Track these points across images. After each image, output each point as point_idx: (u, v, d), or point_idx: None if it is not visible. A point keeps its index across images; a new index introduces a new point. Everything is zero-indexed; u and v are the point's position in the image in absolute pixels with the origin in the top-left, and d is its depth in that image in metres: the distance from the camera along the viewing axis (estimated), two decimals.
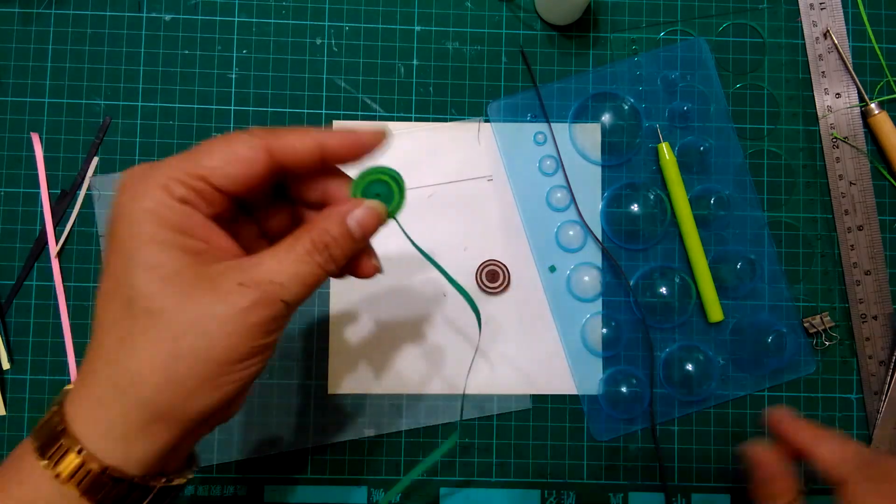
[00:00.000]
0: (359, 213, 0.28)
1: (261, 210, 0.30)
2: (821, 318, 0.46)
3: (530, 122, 0.46)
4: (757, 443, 0.36)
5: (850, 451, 0.32)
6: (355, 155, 0.29)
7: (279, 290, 0.25)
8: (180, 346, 0.24)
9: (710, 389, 0.45)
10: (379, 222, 0.29)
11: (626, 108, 0.47)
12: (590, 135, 0.46)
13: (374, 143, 0.29)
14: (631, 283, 0.46)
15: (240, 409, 0.29)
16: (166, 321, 0.24)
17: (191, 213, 0.26)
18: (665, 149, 0.46)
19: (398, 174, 0.30)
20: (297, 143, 0.27)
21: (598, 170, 0.46)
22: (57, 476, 0.24)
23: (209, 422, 0.27)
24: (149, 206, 0.25)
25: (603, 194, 0.46)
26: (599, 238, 0.46)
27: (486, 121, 0.46)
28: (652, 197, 0.46)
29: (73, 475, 0.24)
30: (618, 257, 0.46)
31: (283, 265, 0.26)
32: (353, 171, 0.30)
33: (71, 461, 0.24)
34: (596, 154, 0.46)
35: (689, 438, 0.45)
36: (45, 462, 0.25)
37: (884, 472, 0.31)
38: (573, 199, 0.46)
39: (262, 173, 0.27)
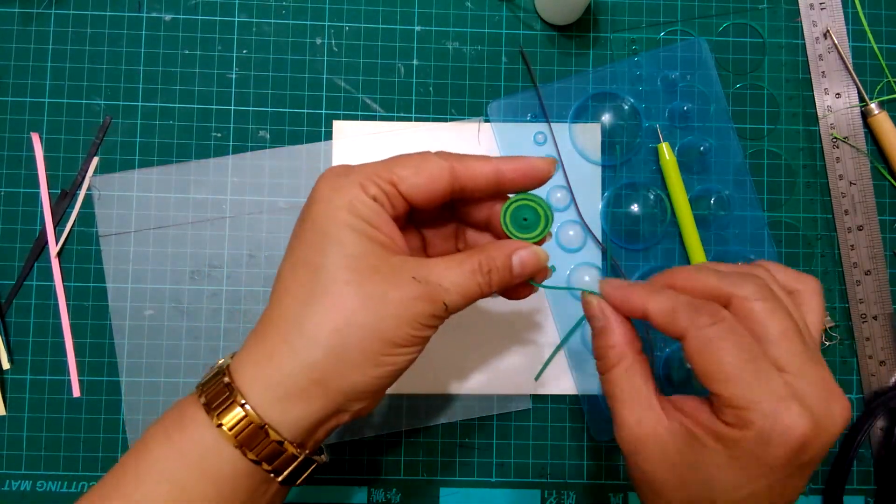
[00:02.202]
0: (524, 253, 0.31)
1: (428, 223, 0.34)
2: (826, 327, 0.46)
3: (530, 121, 0.46)
4: (589, 294, 0.32)
5: (681, 301, 0.29)
6: (529, 184, 0.31)
7: (444, 293, 0.29)
8: (355, 318, 0.27)
9: None
10: (538, 266, 0.31)
11: (626, 108, 0.47)
12: (590, 135, 0.46)
13: (548, 172, 0.31)
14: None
15: (376, 406, 0.31)
16: (347, 294, 0.28)
17: (379, 210, 0.29)
18: (665, 149, 0.46)
19: (546, 203, 0.32)
20: (479, 168, 0.30)
21: (598, 170, 0.46)
22: (219, 426, 0.27)
23: (354, 406, 0.29)
24: (346, 197, 0.28)
25: (603, 194, 0.46)
26: (599, 238, 0.46)
27: (486, 121, 0.46)
28: (652, 197, 0.46)
29: (233, 427, 0.27)
30: (618, 257, 0.46)
31: (451, 273, 0.29)
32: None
33: (236, 415, 0.27)
34: (596, 154, 0.46)
35: None
36: (211, 413, 0.28)
37: (713, 311, 0.28)
38: (573, 199, 0.46)
39: (444, 190, 0.30)
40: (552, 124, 0.46)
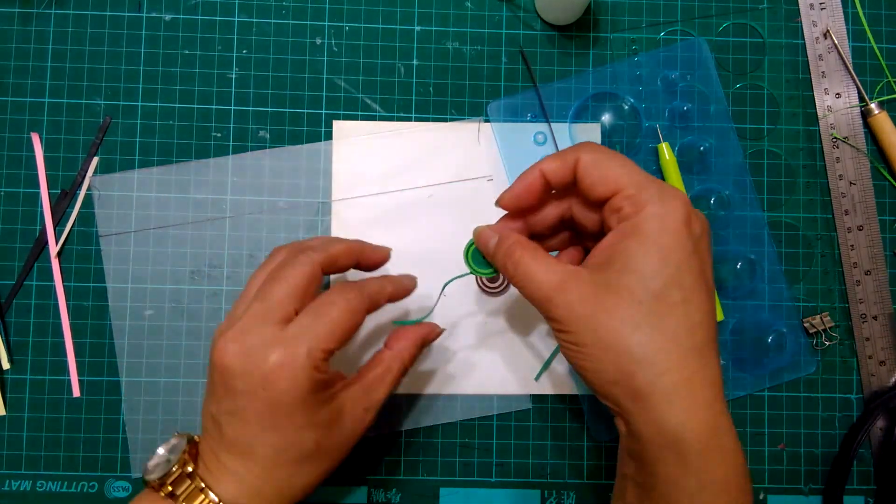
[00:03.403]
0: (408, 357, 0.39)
1: None
2: (821, 318, 0.46)
3: (530, 122, 0.46)
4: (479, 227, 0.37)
5: (565, 152, 0.34)
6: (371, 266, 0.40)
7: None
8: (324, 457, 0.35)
9: None
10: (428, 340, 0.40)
11: (626, 108, 0.47)
12: (590, 135, 0.46)
13: (383, 258, 0.40)
14: None
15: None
16: (319, 448, 0.34)
17: (324, 378, 0.34)
18: (665, 149, 0.46)
19: None
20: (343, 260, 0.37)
21: None
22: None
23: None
24: (303, 375, 0.32)
25: None
26: None
27: (486, 121, 0.46)
28: None
29: None
30: None
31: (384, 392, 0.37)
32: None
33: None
34: None
35: None
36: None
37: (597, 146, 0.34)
38: None
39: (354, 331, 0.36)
40: (552, 124, 0.46)
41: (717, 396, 0.31)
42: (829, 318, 0.46)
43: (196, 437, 0.35)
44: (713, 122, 0.47)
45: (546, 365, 0.45)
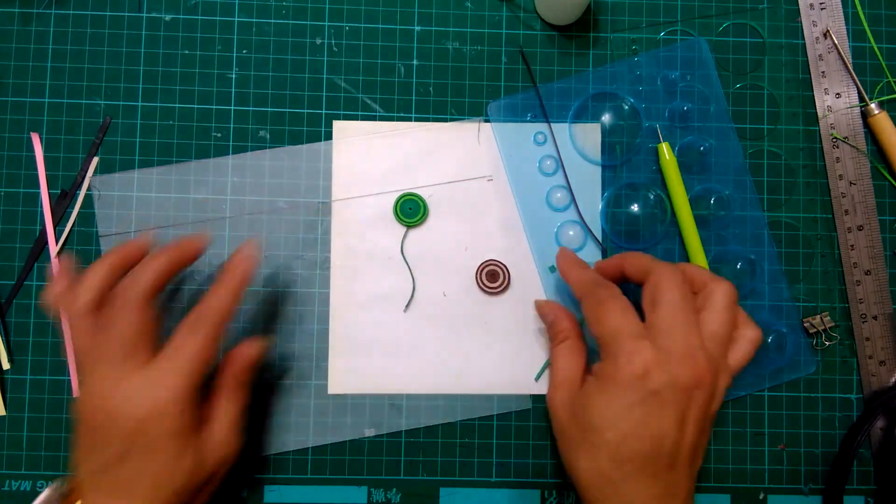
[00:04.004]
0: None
1: None
2: (821, 318, 0.46)
3: (530, 121, 0.46)
4: (540, 300, 0.45)
5: (590, 277, 0.40)
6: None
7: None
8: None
9: None
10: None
11: (626, 108, 0.47)
12: (590, 135, 0.46)
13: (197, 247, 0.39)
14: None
15: None
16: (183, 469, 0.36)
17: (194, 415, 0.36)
18: (665, 149, 0.46)
19: (423, 199, 0.45)
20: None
21: (598, 170, 0.46)
22: None
23: None
24: (175, 420, 0.35)
25: (603, 194, 0.46)
26: (599, 238, 0.46)
27: (486, 121, 0.46)
28: (652, 197, 0.46)
29: None
30: None
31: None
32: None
33: None
34: (596, 154, 0.46)
35: None
36: None
37: (608, 285, 0.39)
38: (573, 199, 0.46)
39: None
40: (552, 124, 0.46)
41: None
42: (829, 318, 0.46)
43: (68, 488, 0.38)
44: (713, 122, 0.47)
45: (546, 365, 0.45)
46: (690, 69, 0.47)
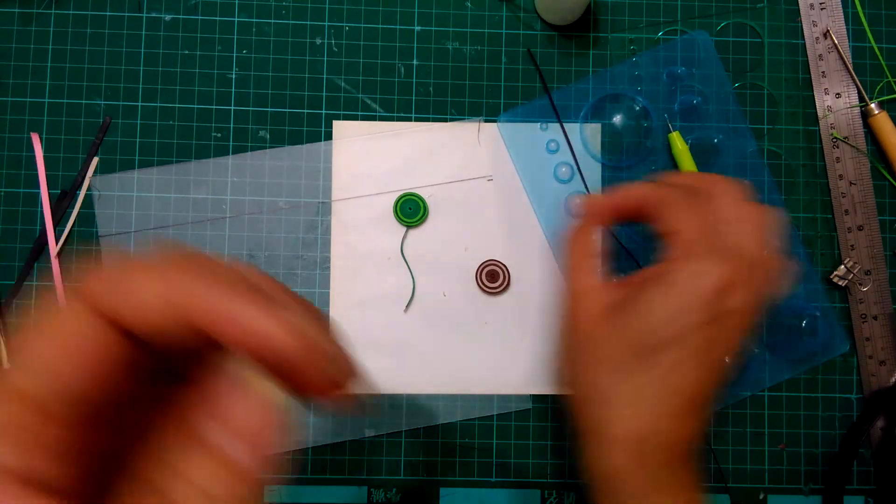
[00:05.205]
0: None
1: None
2: (845, 267, 0.45)
3: (540, 130, 0.46)
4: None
5: (664, 190, 0.33)
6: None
7: None
8: None
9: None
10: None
11: (637, 108, 0.47)
12: (591, 135, 0.46)
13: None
14: None
15: None
16: None
17: None
18: (677, 138, 0.45)
19: (423, 199, 0.45)
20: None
21: (599, 167, 0.46)
22: None
23: None
24: None
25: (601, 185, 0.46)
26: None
27: (487, 121, 0.46)
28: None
29: None
30: (636, 255, 0.46)
31: None
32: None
33: None
34: (597, 153, 0.46)
35: None
36: None
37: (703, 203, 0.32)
38: (583, 182, 0.46)
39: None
40: (563, 128, 0.46)
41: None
42: (851, 263, 0.46)
43: None
44: (719, 119, 0.47)
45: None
46: (695, 65, 0.47)
